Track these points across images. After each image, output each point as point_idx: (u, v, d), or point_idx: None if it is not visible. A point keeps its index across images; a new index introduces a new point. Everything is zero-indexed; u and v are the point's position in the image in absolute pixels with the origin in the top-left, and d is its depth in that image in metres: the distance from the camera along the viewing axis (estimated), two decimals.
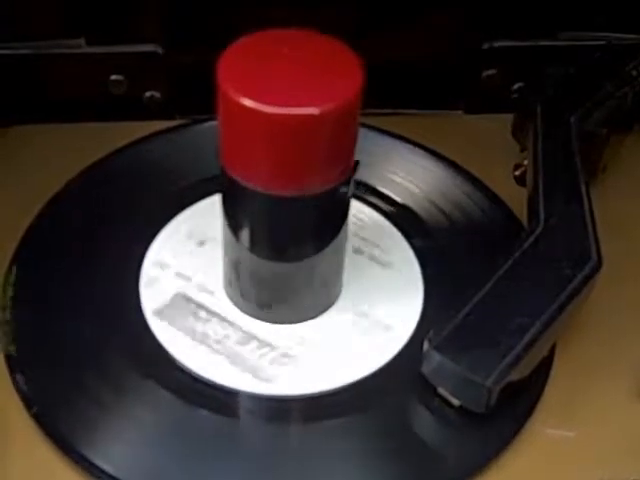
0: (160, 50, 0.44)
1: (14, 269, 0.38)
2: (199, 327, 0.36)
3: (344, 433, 0.33)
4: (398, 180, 0.42)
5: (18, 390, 0.34)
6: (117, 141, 0.43)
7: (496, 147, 0.45)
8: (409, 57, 0.45)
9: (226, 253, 0.36)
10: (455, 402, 0.33)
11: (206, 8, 0.43)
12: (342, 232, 0.35)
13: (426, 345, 0.33)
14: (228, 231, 0.34)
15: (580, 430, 0.35)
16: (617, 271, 0.36)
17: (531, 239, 0.35)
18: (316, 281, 0.36)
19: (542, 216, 0.36)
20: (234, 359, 0.35)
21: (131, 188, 0.41)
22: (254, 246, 0.34)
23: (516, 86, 0.47)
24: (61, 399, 0.34)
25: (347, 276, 0.37)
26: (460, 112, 0.48)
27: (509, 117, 0.45)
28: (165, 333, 0.36)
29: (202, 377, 0.34)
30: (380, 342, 0.36)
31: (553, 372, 0.36)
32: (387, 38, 0.44)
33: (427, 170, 0.43)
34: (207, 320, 0.36)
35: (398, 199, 0.42)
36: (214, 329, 0.36)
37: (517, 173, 0.42)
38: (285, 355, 0.35)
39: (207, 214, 0.40)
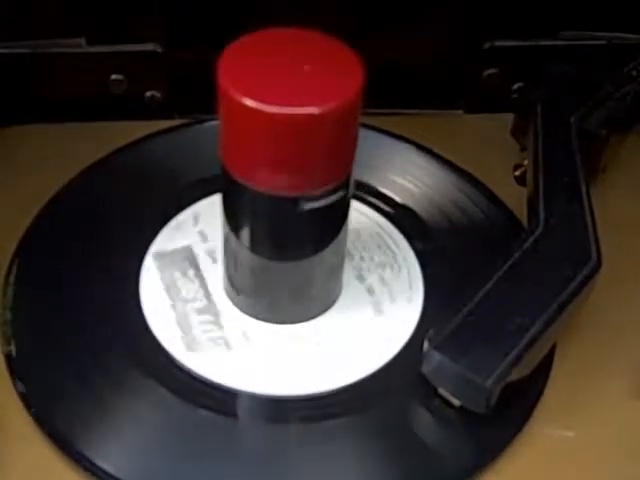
0: (160, 49, 0.44)
1: (14, 269, 0.38)
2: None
3: (344, 433, 0.33)
4: (398, 180, 0.42)
5: (17, 390, 0.34)
6: (117, 141, 0.43)
7: (496, 147, 0.45)
8: (409, 57, 0.45)
9: (226, 253, 0.36)
10: (455, 402, 0.33)
11: (206, 8, 0.43)
12: (342, 232, 0.35)
13: (426, 345, 0.33)
14: (228, 230, 0.34)
15: (580, 430, 0.35)
16: (617, 271, 0.36)
17: (531, 239, 0.35)
18: (316, 281, 0.36)
19: (542, 216, 0.36)
20: (181, 320, 0.36)
21: (131, 188, 0.41)
22: (254, 246, 0.34)
23: (516, 86, 0.47)
24: (60, 399, 0.34)
25: (346, 276, 0.38)
26: (460, 112, 0.48)
27: (509, 117, 0.45)
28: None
29: (202, 377, 0.34)
30: (380, 342, 0.36)
31: (553, 372, 0.36)
32: (387, 38, 0.44)
33: (427, 170, 0.43)
34: (194, 299, 0.37)
35: (398, 199, 0.42)
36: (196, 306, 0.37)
37: (517, 173, 0.42)
38: (226, 343, 0.35)
39: (207, 214, 0.40)
